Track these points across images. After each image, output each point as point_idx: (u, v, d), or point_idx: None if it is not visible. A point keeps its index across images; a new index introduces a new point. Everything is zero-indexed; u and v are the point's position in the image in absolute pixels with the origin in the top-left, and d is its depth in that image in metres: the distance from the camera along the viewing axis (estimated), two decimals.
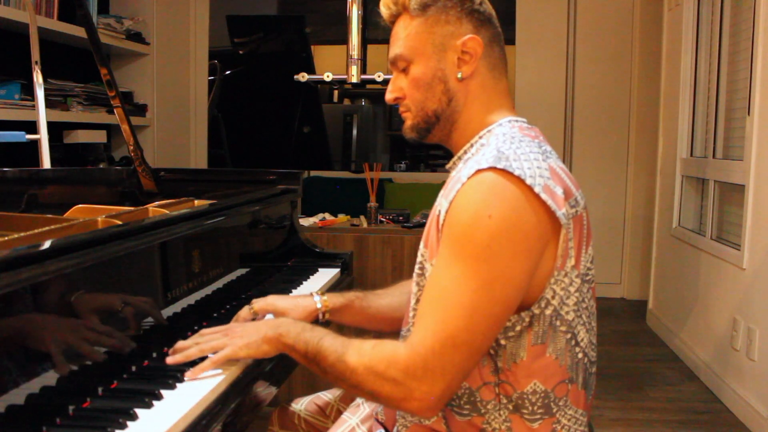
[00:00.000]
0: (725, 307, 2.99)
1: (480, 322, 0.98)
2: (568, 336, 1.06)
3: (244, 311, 1.33)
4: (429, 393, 0.99)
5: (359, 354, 1.04)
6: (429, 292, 1.04)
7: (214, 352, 1.14)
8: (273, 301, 1.35)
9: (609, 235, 4.71)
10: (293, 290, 1.73)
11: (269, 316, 1.35)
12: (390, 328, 1.34)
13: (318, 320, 1.35)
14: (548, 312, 1.04)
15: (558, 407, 1.08)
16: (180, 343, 1.17)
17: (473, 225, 0.98)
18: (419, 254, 1.14)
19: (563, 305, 1.05)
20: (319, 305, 1.35)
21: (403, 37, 1.15)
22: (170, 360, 1.14)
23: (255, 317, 1.33)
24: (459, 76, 1.12)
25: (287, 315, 1.32)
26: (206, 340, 1.16)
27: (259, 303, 1.34)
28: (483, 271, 0.97)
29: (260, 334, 1.13)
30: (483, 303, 0.98)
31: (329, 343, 1.07)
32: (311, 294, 1.38)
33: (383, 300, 1.39)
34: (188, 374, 1.10)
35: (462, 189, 1.01)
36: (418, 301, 1.13)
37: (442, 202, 1.07)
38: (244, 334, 1.15)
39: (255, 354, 1.14)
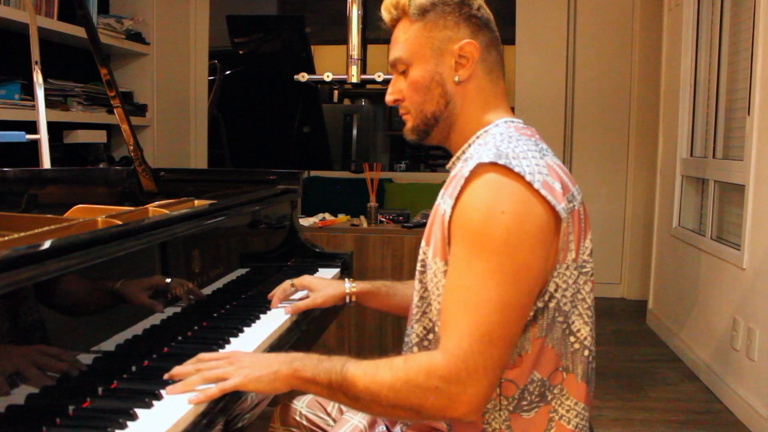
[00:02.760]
0: (725, 307, 2.99)
1: (511, 315, 0.99)
2: (564, 326, 1.08)
3: (286, 285, 1.54)
4: (475, 395, 0.97)
5: (393, 370, 1.00)
6: (452, 294, 1.03)
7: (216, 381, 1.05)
8: (309, 278, 1.55)
9: (609, 235, 4.71)
10: None
11: (302, 293, 1.55)
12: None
13: (346, 302, 1.51)
14: (552, 305, 1.06)
15: (553, 395, 1.09)
16: (177, 369, 1.08)
17: (488, 221, 0.99)
18: (420, 251, 1.15)
19: (563, 297, 1.07)
20: (347, 289, 1.50)
21: (403, 40, 1.18)
22: (170, 390, 1.03)
23: (294, 291, 1.55)
24: (456, 79, 1.15)
25: (320, 291, 1.50)
26: (208, 367, 1.07)
27: (296, 279, 1.54)
28: (506, 265, 0.98)
29: (272, 369, 1.06)
30: (511, 295, 0.98)
31: (355, 368, 1.02)
32: (342, 279, 1.53)
33: (409, 290, 1.44)
34: (192, 399, 1.00)
35: (467, 188, 1.03)
36: (421, 298, 1.14)
37: (445, 200, 1.09)
38: (253, 366, 1.06)
39: (265, 389, 1.06)
